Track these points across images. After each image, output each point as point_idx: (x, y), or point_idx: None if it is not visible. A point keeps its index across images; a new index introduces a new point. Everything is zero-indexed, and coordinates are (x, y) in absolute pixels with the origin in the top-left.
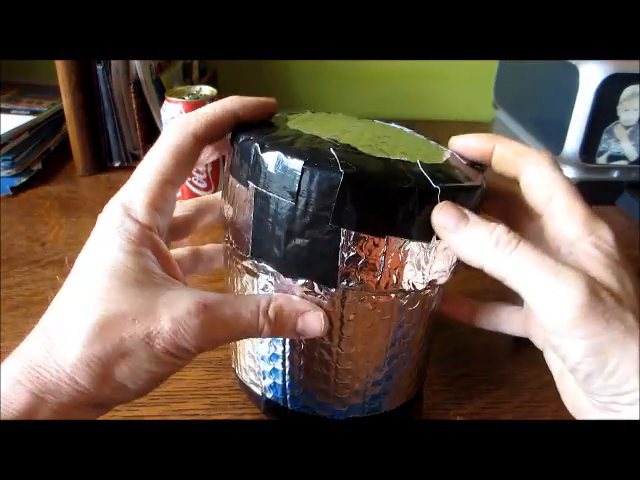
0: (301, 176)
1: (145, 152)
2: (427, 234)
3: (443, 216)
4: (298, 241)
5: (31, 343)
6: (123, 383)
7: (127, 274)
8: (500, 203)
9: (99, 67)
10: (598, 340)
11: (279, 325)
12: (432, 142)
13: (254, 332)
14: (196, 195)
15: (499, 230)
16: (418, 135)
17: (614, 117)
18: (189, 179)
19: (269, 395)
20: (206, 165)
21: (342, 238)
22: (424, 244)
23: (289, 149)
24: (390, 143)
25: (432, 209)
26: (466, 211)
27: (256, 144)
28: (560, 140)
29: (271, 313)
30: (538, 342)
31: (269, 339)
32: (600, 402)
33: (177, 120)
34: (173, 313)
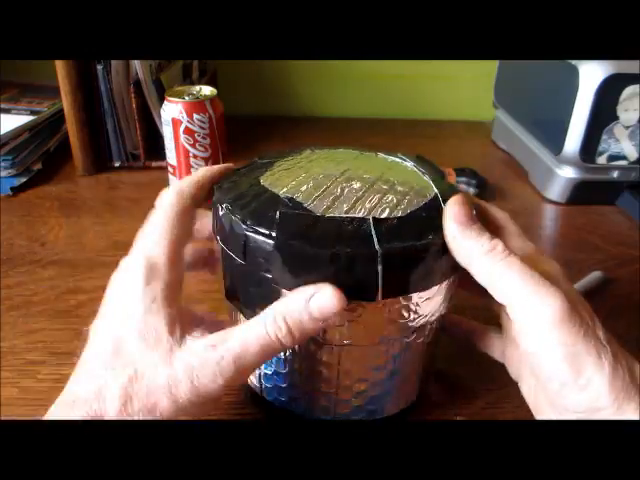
0: (245, 240)
1: (145, 152)
2: (370, 292)
3: (458, 215)
4: (254, 294)
5: (76, 409)
6: None
7: (151, 336)
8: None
9: (99, 67)
10: (574, 349)
11: (294, 326)
12: (425, 178)
13: (275, 348)
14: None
15: (496, 241)
16: (418, 170)
17: (614, 117)
18: None
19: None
20: None
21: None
22: (366, 302)
23: (241, 212)
24: (370, 194)
25: (371, 271)
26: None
27: (218, 205)
28: (560, 140)
29: (279, 319)
30: (513, 372)
31: None
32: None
33: (173, 186)
34: (186, 362)
